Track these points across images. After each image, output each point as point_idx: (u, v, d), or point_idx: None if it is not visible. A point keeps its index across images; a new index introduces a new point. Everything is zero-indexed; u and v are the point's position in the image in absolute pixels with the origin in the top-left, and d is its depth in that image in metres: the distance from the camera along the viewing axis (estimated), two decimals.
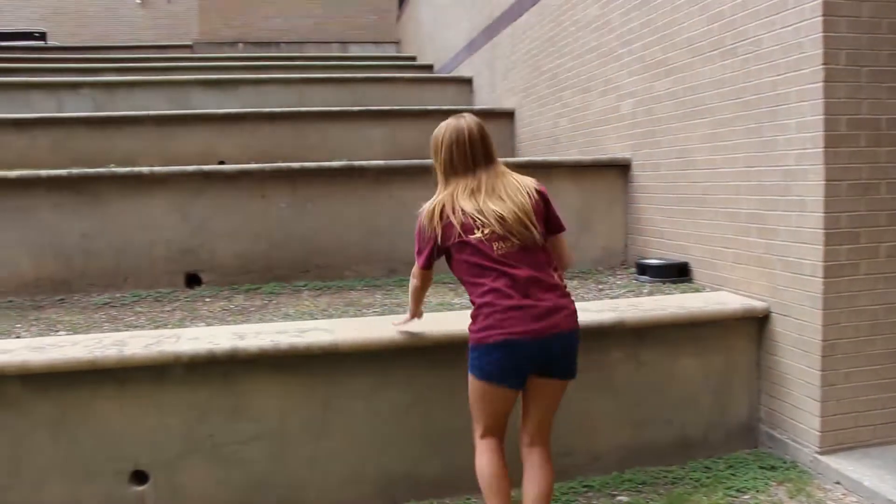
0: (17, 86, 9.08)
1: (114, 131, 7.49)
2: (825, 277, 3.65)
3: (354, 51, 17.01)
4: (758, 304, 4.05)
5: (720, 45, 4.35)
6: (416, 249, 3.09)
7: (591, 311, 3.94)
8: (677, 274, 4.87)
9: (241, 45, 17.12)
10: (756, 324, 4.09)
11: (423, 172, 5.33)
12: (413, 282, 3.24)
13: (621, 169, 5.69)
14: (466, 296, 3.03)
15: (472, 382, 2.94)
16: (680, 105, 4.85)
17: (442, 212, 2.94)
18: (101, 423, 3.34)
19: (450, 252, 2.97)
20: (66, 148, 7.27)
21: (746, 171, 4.17)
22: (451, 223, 2.90)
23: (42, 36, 17.44)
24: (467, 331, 2.93)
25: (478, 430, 3.00)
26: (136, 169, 5.24)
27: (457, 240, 2.90)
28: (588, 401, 3.86)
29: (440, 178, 3.06)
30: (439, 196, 3.01)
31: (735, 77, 4.23)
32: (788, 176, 3.83)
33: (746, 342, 4.11)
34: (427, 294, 3.44)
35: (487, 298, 2.84)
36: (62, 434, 3.32)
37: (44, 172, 5.04)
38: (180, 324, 4.25)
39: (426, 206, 3.01)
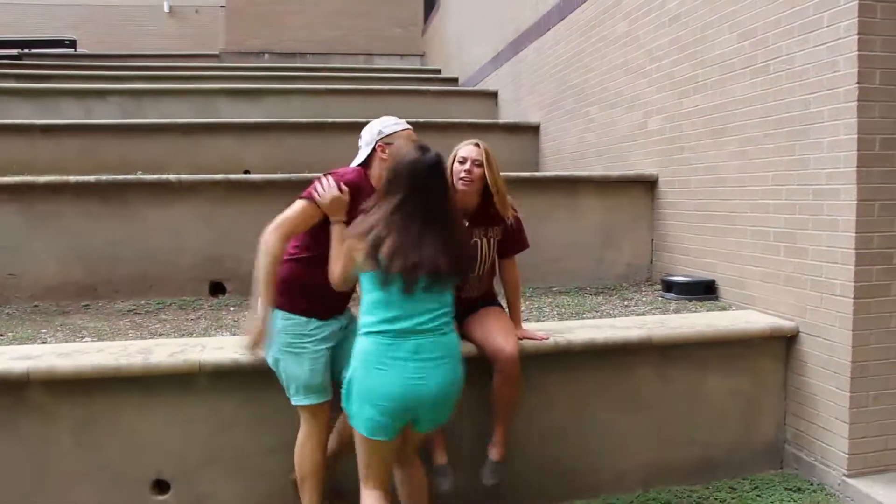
0: (47, 92, 9.18)
1: (141, 139, 7.55)
2: (856, 298, 3.60)
3: (380, 63, 17.06)
4: (786, 324, 4.00)
5: (752, 63, 4.32)
6: None
7: (618, 327, 3.91)
8: (703, 291, 4.82)
9: (266, 55, 17.24)
10: (784, 343, 4.04)
11: None
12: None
13: (648, 185, 5.66)
14: None
15: None
16: (709, 122, 4.81)
17: None
18: (126, 430, 3.34)
19: None
20: (94, 155, 7.32)
21: (776, 190, 4.13)
22: None
23: (72, 44, 17.67)
24: None
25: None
26: (164, 176, 5.28)
27: None
28: (614, 419, 3.83)
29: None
30: None
31: (766, 95, 4.19)
32: (820, 195, 3.78)
33: (774, 362, 4.06)
34: None
35: None
36: (86, 441, 3.33)
37: (72, 179, 5.09)
38: (205, 333, 4.26)
39: None
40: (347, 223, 2.96)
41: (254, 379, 3.39)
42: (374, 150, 3.18)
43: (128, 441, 3.35)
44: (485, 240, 3.49)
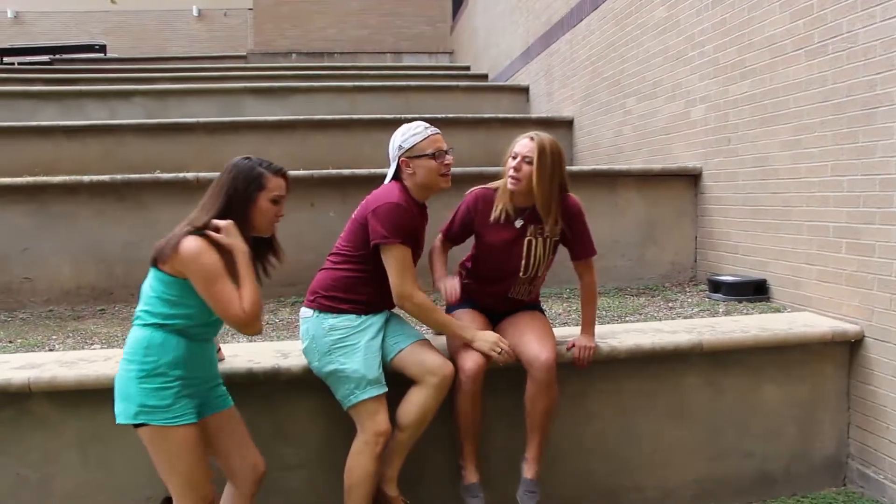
0: (71, 94, 9.08)
1: (164, 139, 7.38)
2: None
3: (408, 61, 16.85)
4: (849, 328, 3.66)
5: (806, 43, 3.98)
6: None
7: (665, 331, 3.61)
8: (754, 292, 4.49)
9: (294, 55, 17.12)
10: (847, 349, 3.71)
11: (477, 181, 5.05)
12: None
13: (691, 179, 5.34)
14: None
15: None
16: (758, 109, 4.48)
17: None
18: (133, 445, 3.08)
19: None
20: (117, 155, 7.19)
21: (836, 181, 3.79)
22: None
23: (102, 48, 17.77)
24: None
25: None
26: (181, 175, 5.06)
27: None
28: (660, 431, 3.53)
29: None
30: None
31: (823, 77, 3.86)
32: (888, 185, 3.44)
33: (835, 369, 3.72)
34: None
35: None
36: (92, 456, 3.12)
37: (86, 178, 4.90)
38: (220, 339, 4.02)
39: None
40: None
41: (271, 389, 3.15)
42: (399, 165, 3.04)
43: (135, 455, 3.11)
44: (539, 239, 3.22)
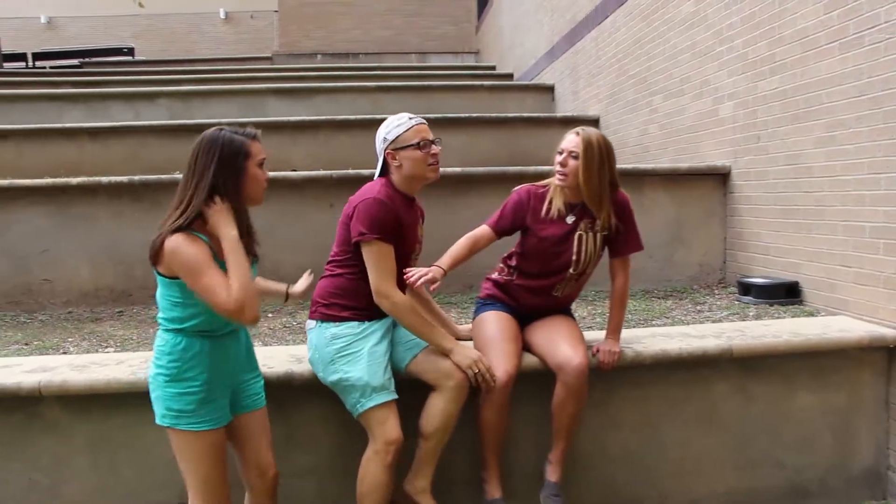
0: (97, 97, 9.13)
1: (187, 140, 7.19)
2: None
3: (433, 61, 16.76)
4: (888, 332, 3.49)
5: (841, 36, 3.83)
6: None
7: (692, 336, 3.47)
8: (785, 295, 4.34)
9: (319, 56, 17.12)
10: (885, 354, 3.54)
11: (502, 181, 4.98)
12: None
13: (720, 178, 5.18)
14: None
15: None
16: (789, 105, 4.33)
17: None
18: (144, 450, 3.05)
19: None
20: (140, 157, 7.18)
21: (873, 179, 3.63)
22: None
23: (130, 51, 17.94)
24: None
25: None
26: None
27: None
28: (687, 439, 3.39)
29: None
30: None
31: (859, 70, 3.70)
32: None
33: (873, 376, 3.55)
34: None
35: None
36: (103, 461, 3.06)
37: (104, 179, 4.87)
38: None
39: None
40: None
41: (284, 394, 3.06)
42: (385, 158, 2.93)
43: (146, 461, 3.06)
44: (590, 234, 3.13)
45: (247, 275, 2.37)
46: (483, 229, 3.20)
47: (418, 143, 2.88)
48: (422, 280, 2.87)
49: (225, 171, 2.43)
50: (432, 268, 2.96)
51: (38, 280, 4.89)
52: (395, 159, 2.90)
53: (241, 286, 2.33)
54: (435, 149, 2.93)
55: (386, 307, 2.84)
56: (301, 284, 3.10)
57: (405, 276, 2.88)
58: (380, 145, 2.95)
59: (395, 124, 2.91)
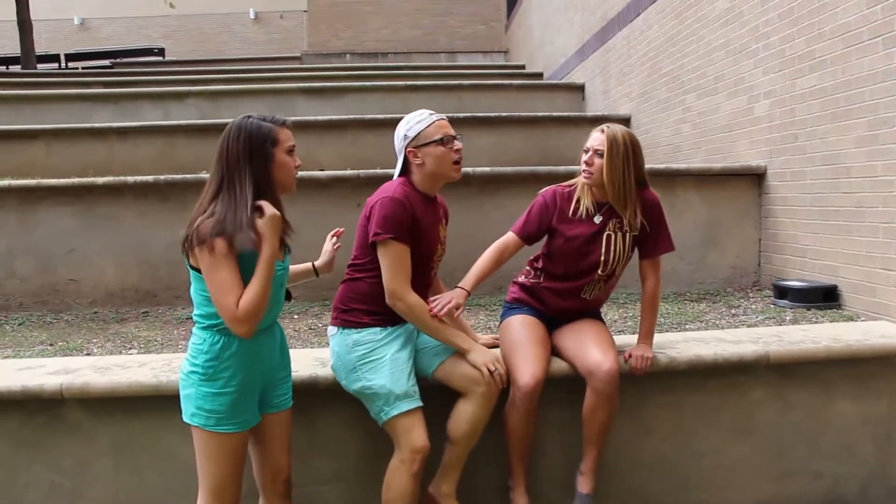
0: (127, 97, 9.21)
1: (215, 139, 7.19)
2: None
3: (462, 60, 16.71)
4: None
5: (884, 31, 3.70)
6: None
7: (728, 341, 3.36)
8: (823, 299, 4.21)
9: (348, 55, 17.14)
10: None
11: (532, 181, 4.89)
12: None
13: (755, 178, 5.06)
14: None
15: None
16: (829, 104, 4.20)
17: None
18: (165, 454, 3.01)
19: None
20: (169, 156, 7.21)
21: None
22: None
23: (160, 52, 18.12)
24: None
25: None
26: None
27: None
28: (722, 447, 3.28)
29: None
30: None
31: None
32: None
33: None
34: None
35: None
36: (125, 463, 3.02)
37: (130, 179, 4.87)
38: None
39: None
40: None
41: (308, 398, 3.00)
42: (406, 157, 2.83)
43: (168, 465, 3.02)
44: (619, 234, 3.04)
45: (264, 294, 2.32)
46: (509, 237, 3.11)
47: (441, 139, 2.80)
48: (445, 309, 2.80)
49: (256, 160, 2.38)
50: (455, 291, 2.89)
51: (63, 280, 4.90)
52: (417, 157, 2.80)
53: (254, 299, 2.28)
54: (458, 144, 2.85)
55: (400, 309, 2.76)
56: (324, 256, 3.03)
57: (429, 307, 2.81)
58: (399, 143, 2.85)
59: (416, 121, 2.82)
